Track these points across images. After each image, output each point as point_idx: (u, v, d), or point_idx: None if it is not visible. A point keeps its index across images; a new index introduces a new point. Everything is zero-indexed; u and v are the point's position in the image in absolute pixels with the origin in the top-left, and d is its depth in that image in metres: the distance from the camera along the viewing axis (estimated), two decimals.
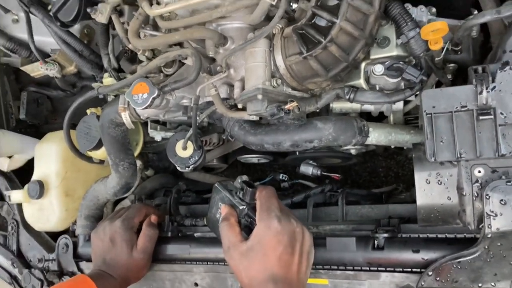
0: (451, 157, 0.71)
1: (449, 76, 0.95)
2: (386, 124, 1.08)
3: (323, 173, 1.30)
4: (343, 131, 0.97)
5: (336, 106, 1.08)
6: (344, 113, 1.10)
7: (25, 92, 1.47)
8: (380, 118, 1.16)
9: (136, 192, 1.39)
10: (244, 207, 0.95)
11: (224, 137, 1.32)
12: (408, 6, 0.90)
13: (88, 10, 1.04)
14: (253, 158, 1.43)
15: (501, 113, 0.68)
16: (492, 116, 0.69)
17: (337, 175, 1.29)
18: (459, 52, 0.87)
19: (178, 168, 1.21)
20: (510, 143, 0.68)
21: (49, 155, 1.30)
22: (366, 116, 1.13)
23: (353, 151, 1.30)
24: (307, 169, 1.32)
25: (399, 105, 1.07)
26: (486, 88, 0.69)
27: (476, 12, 0.96)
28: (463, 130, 0.71)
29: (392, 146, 1.09)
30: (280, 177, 1.37)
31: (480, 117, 0.69)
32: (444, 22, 0.74)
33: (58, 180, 1.28)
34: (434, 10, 0.94)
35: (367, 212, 1.05)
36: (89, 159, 1.28)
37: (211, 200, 1.04)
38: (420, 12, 0.90)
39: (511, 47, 0.72)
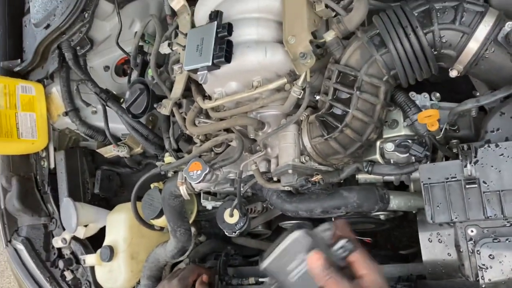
0: (447, 219, 0.86)
1: (455, 150, 1.10)
2: (406, 192, 1.22)
3: (355, 236, 1.44)
4: (366, 199, 1.12)
5: (361, 177, 1.23)
6: (369, 183, 1.25)
7: (99, 170, 1.70)
8: (405, 187, 1.30)
9: (190, 256, 1.56)
10: None
11: (265, 206, 1.49)
12: (413, 93, 1.08)
13: (155, 105, 1.29)
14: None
15: (484, 182, 0.83)
16: (477, 185, 0.84)
17: (369, 238, 1.43)
18: (457, 131, 1.03)
19: (226, 233, 1.39)
20: (494, 207, 0.82)
21: (118, 224, 1.50)
22: (393, 186, 1.28)
23: (382, 217, 1.44)
24: None
25: (417, 174, 1.21)
26: (470, 162, 0.85)
27: (478, 94, 1.12)
28: (455, 197, 0.86)
29: (414, 212, 1.22)
30: None
31: (467, 186, 0.84)
32: (435, 110, 0.91)
33: (125, 245, 1.47)
34: (438, 95, 1.11)
35: (391, 270, 1.17)
36: (151, 227, 1.48)
37: (281, 249, 0.82)
38: (423, 99, 1.08)
39: (491, 128, 0.88)
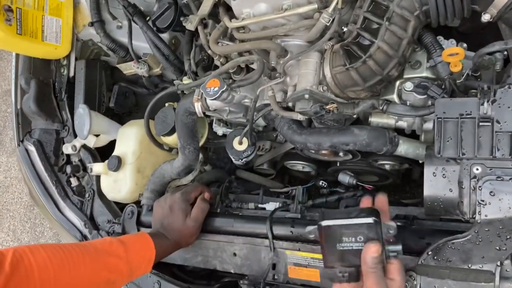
0: (454, 155, 0.87)
1: None
2: (416, 140, 1.23)
3: (357, 182, 1.47)
4: (376, 139, 1.14)
5: (374, 120, 1.24)
6: (381, 127, 1.26)
7: (117, 86, 1.72)
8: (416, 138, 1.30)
9: (194, 180, 1.60)
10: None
11: (275, 135, 1.50)
12: (440, 38, 1.07)
13: (181, 19, 1.30)
14: (298, 165, 1.61)
15: (498, 122, 0.84)
16: (490, 124, 0.84)
17: (370, 186, 1.45)
18: (478, 79, 1.02)
19: (233, 160, 1.41)
20: (504, 148, 0.83)
21: (129, 137, 1.52)
22: (405, 134, 1.28)
23: (387, 167, 1.46)
24: (345, 177, 1.49)
25: (429, 125, 1.22)
26: (487, 101, 0.85)
27: None
28: (466, 133, 0.86)
29: (420, 161, 1.23)
30: (320, 183, 1.54)
31: (481, 124, 0.85)
32: (460, 48, 0.91)
33: (133, 158, 1.50)
34: (465, 45, 1.10)
35: (391, 212, 1.19)
36: (161, 146, 1.51)
37: (349, 223, 0.88)
38: (450, 44, 1.07)
39: None
